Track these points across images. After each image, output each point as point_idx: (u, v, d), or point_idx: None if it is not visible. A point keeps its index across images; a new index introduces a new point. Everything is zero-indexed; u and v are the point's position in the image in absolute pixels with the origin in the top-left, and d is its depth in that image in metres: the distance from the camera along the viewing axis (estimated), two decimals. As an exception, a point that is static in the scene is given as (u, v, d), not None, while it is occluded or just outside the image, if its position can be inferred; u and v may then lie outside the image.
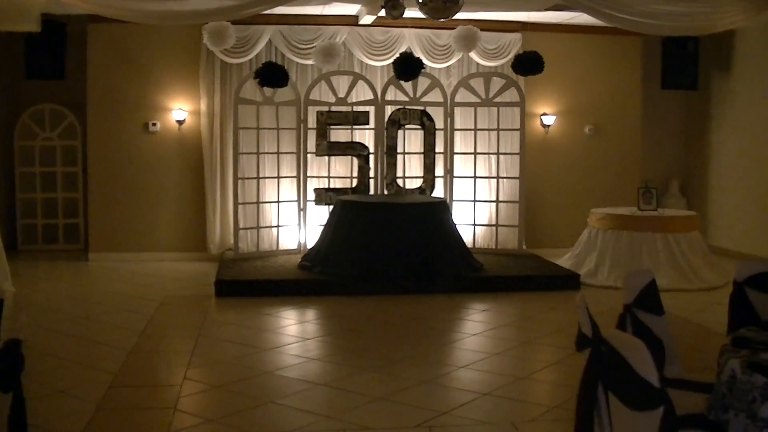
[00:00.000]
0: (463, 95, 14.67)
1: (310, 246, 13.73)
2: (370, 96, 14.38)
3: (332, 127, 14.30)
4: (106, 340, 9.33)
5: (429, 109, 14.47)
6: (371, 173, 14.32)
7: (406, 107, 14.41)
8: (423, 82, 14.39)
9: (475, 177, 14.78)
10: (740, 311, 5.88)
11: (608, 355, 3.89)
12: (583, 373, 4.21)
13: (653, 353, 5.31)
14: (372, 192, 14.27)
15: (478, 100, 14.65)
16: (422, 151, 14.56)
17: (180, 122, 14.57)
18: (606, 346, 3.92)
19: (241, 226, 13.95)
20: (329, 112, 14.26)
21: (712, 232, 16.26)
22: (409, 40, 14.69)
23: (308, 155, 14.29)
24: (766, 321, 5.43)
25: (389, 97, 14.47)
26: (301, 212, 14.28)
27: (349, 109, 14.33)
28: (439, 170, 14.61)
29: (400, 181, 14.42)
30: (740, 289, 5.94)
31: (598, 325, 4.14)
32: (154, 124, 14.56)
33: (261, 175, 14.16)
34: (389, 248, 12.30)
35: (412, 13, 11.84)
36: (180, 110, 14.56)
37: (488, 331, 10.09)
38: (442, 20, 11.80)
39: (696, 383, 5.26)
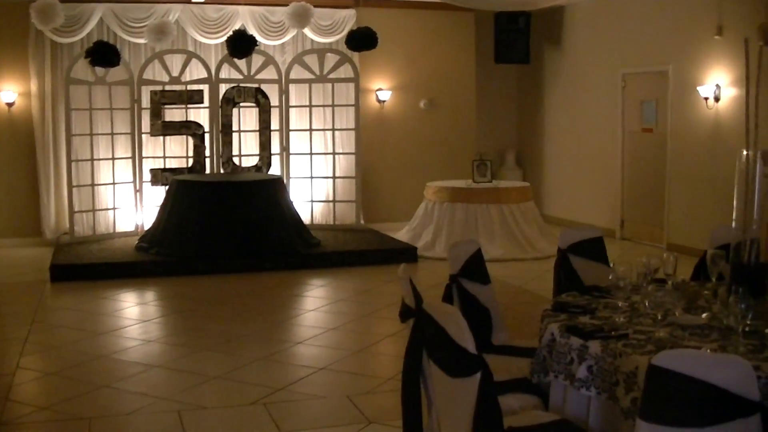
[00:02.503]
0: (297, 72, 14.68)
1: (147, 227, 13.57)
2: (204, 74, 14.25)
3: (166, 106, 14.14)
4: (-67, 332, 9.09)
5: (264, 87, 14.43)
6: (207, 152, 14.22)
7: (241, 85, 14.33)
8: (257, 60, 14.33)
9: (311, 153, 14.83)
10: (565, 277, 6.06)
11: (428, 325, 3.99)
12: (407, 343, 4.31)
13: (480, 322, 5.49)
14: (208, 171, 14.18)
15: (313, 77, 14.69)
16: (257, 128, 14.53)
17: (9, 104, 14.15)
18: (425, 316, 4.02)
19: (76, 209, 13.69)
20: (163, 91, 14.10)
21: (547, 201, 16.68)
22: (243, 18, 14.59)
23: (143, 135, 14.09)
24: (588, 286, 5.61)
25: (223, 75, 14.37)
26: (138, 193, 14.10)
27: (183, 88, 14.19)
28: (276, 147, 14.60)
29: (236, 160, 14.35)
30: (564, 256, 6.12)
31: (430, 296, 4.23)
32: (-19, 107, 14.17)
33: (95, 157, 13.91)
34: (225, 227, 12.29)
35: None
36: (9, 92, 14.15)
37: (325, 306, 10.20)
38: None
39: (522, 348, 5.42)
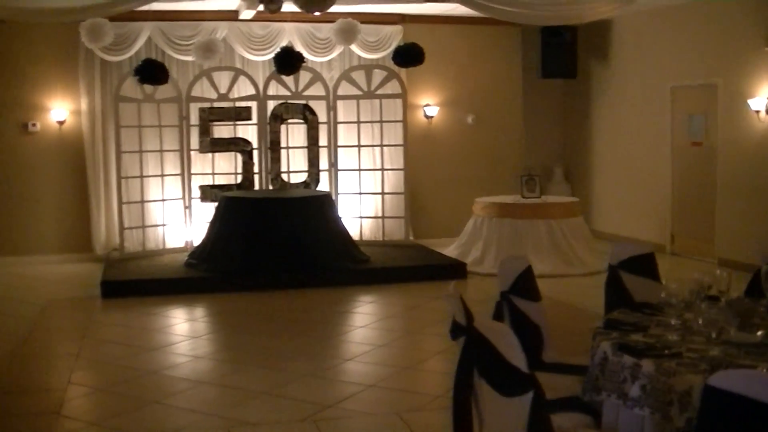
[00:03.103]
0: (345, 88, 14.70)
1: (196, 244, 13.63)
2: (251, 91, 14.31)
3: (215, 123, 14.23)
4: (-14, 347, 9.15)
5: (311, 103, 14.49)
6: (255, 169, 14.28)
7: (288, 102, 14.39)
8: (304, 76, 14.37)
9: (359, 169, 14.85)
10: (616, 294, 6.00)
11: (479, 343, 3.95)
12: (458, 361, 4.28)
13: (530, 339, 5.45)
14: (257, 187, 14.23)
15: (361, 93, 14.71)
16: (306, 145, 14.56)
17: (60, 122, 14.30)
18: (476, 334, 3.98)
19: (126, 225, 13.80)
20: (211, 108, 14.18)
21: (595, 216, 16.55)
22: (290, 34, 14.65)
23: (191, 152, 14.17)
24: (640, 302, 5.55)
25: (271, 92, 14.42)
26: (187, 210, 14.17)
27: (231, 104, 14.26)
28: (324, 164, 14.63)
29: (284, 176, 14.40)
30: (615, 272, 6.06)
31: (479, 312, 4.19)
32: (33, 125, 14.25)
33: (144, 174, 14.01)
34: (274, 243, 12.31)
35: (292, 7, 11.78)
36: (60, 110, 14.29)
37: (374, 322, 10.18)
38: (317, 13, 11.83)
39: (573, 366, 5.36)
